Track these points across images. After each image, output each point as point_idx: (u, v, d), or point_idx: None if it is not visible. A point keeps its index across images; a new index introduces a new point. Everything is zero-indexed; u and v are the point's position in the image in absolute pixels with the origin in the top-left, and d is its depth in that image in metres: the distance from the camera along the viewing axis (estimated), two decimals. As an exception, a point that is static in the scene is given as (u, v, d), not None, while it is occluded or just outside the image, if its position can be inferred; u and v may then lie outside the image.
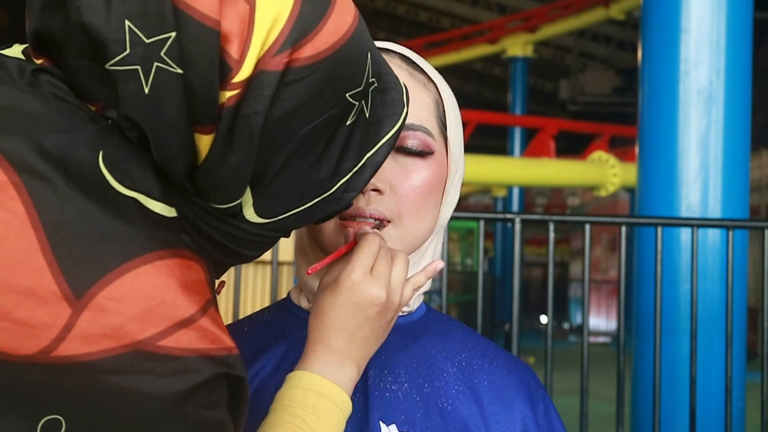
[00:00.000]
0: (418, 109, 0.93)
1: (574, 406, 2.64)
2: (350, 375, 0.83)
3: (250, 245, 0.76)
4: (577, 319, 16.71)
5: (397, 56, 0.95)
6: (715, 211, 3.51)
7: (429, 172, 0.93)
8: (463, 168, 1.00)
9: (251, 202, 0.73)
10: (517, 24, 13.99)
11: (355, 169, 0.76)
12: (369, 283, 0.83)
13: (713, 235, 3.42)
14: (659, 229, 2.67)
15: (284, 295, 1.03)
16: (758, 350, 2.72)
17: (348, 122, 0.74)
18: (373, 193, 0.90)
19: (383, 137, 0.78)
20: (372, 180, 0.89)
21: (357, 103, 0.73)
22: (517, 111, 13.74)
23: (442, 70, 1.40)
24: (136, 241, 0.66)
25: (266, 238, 0.77)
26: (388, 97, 0.78)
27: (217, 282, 0.79)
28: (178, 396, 0.64)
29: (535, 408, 0.95)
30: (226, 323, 1.07)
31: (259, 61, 0.67)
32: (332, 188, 0.75)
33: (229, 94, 0.67)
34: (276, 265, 2.77)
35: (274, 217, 0.74)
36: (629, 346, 3.72)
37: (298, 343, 0.92)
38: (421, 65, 0.96)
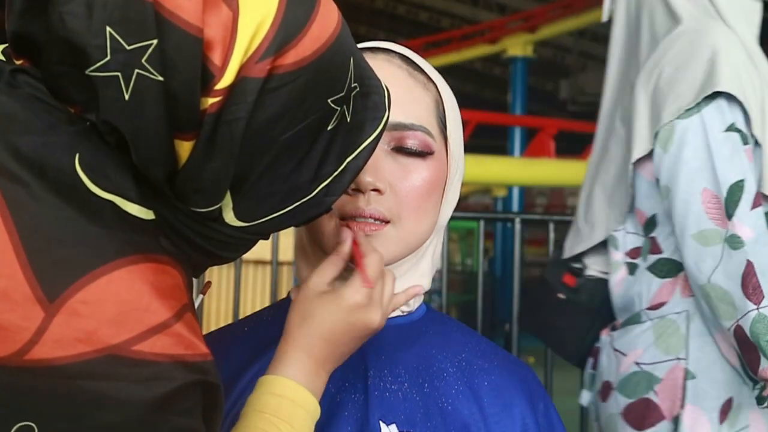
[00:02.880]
0: (418, 109, 0.93)
1: (574, 406, 2.64)
2: (322, 384, 0.84)
3: (230, 247, 0.76)
4: (577, 319, 16.67)
5: (397, 56, 0.95)
6: (715, 211, 3.50)
7: (429, 172, 0.93)
8: (463, 168, 1.00)
9: (231, 206, 0.72)
10: (517, 24, 14.00)
11: (336, 173, 0.76)
12: (370, 308, 0.84)
13: (713, 235, 3.42)
14: (659, 229, 2.66)
15: (284, 295, 1.03)
16: (758, 350, 2.72)
17: (329, 127, 0.73)
18: (373, 193, 0.90)
19: (364, 141, 0.77)
20: (372, 180, 0.89)
21: (339, 109, 0.73)
22: (517, 111, 13.73)
23: (442, 70, 1.39)
24: (112, 244, 0.65)
25: (246, 241, 0.77)
26: (370, 101, 0.78)
27: (203, 282, 0.79)
28: (153, 402, 0.64)
29: (535, 408, 0.95)
30: (226, 323, 1.07)
31: (242, 68, 0.67)
32: (313, 192, 0.75)
33: (211, 101, 0.66)
34: (276, 265, 2.77)
35: (255, 221, 0.74)
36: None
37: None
38: (420, 65, 0.96)
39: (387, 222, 0.91)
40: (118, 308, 0.64)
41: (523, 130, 13.16)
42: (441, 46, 14.48)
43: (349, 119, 0.75)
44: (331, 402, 0.88)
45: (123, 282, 0.65)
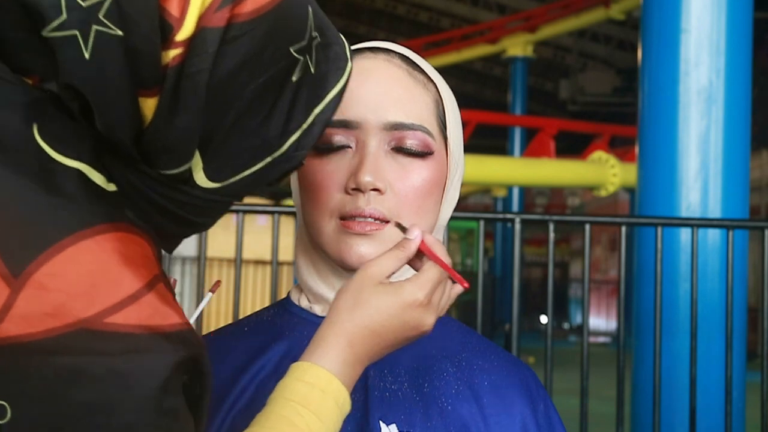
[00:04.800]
0: (418, 109, 0.93)
1: (574, 406, 2.64)
2: (357, 377, 0.80)
3: (204, 212, 0.74)
4: (577, 319, 16.72)
5: (396, 56, 0.95)
6: (715, 211, 3.51)
7: (429, 172, 0.93)
8: (463, 168, 1.00)
9: (201, 165, 0.70)
10: (517, 24, 14.00)
11: (305, 126, 0.74)
12: (428, 310, 0.81)
13: (713, 235, 3.43)
14: (659, 229, 2.67)
15: (284, 295, 1.03)
16: (758, 350, 2.72)
17: (294, 78, 0.72)
18: (372, 192, 0.90)
19: (329, 93, 0.76)
20: (372, 180, 0.89)
21: (301, 58, 0.72)
22: (517, 111, 13.75)
23: (442, 70, 1.40)
24: (77, 215, 0.64)
25: (219, 204, 0.74)
26: (332, 52, 0.77)
27: (212, 282, 0.78)
28: (129, 377, 0.61)
29: (535, 408, 0.95)
30: (226, 323, 1.07)
31: (201, 18, 0.66)
32: (282, 147, 0.73)
33: (172, 53, 0.65)
34: (276, 265, 2.77)
35: (226, 180, 0.72)
36: (629, 346, 3.72)
37: (298, 343, 0.92)
38: (420, 65, 0.96)
39: (387, 222, 0.90)
40: (87, 280, 0.62)
41: (523, 130, 13.17)
42: (441, 46, 14.48)
43: (313, 70, 0.74)
44: (331, 402, 0.88)
45: (90, 252, 0.63)
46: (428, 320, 0.81)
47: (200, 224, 0.75)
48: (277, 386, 0.78)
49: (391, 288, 0.81)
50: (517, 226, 2.65)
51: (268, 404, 0.76)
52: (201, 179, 0.71)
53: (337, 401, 0.77)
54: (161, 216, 0.71)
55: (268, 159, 0.73)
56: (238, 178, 0.72)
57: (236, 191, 0.74)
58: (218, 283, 0.87)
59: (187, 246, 8.49)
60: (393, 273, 0.83)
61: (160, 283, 0.66)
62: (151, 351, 0.62)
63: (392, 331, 0.80)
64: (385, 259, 0.83)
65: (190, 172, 0.70)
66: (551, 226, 2.63)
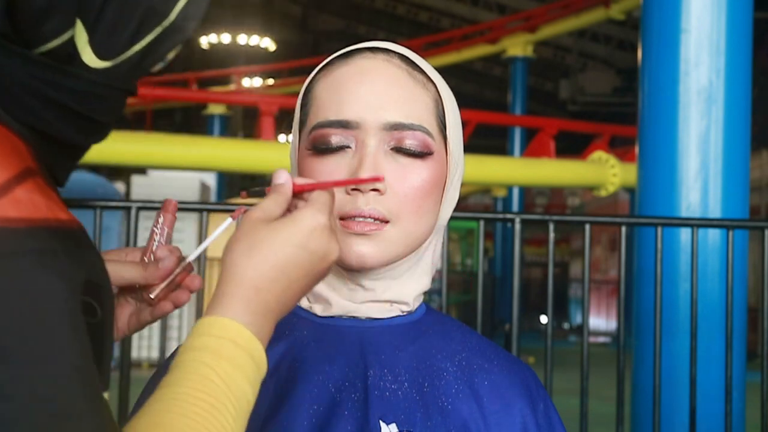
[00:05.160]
0: (418, 109, 0.93)
1: (574, 406, 2.64)
2: (270, 330, 0.72)
3: (97, 102, 0.67)
4: (577, 319, 16.71)
5: (396, 56, 0.95)
6: (715, 211, 3.51)
7: (428, 172, 0.93)
8: (463, 168, 1.00)
9: (86, 38, 0.64)
10: (517, 24, 14.01)
11: None
12: (332, 235, 0.75)
13: (713, 235, 3.43)
14: (659, 229, 2.67)
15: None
16: (758, 350, 2.72)
17: None
18: (372, 193, 0.90)
19: None
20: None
21: None
22: (517, 111, 13.75)
23: (442, 70, 1.40)
24: None
25: (112, 93, 0.67)
26: None
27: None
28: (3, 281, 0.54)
29: (535, 408, 0.95)
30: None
31: None
32: (170, 15, 0.68)
33: None
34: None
35: (116, 57, 0.66)
36: (629, 346, 3.72)
37: (297, 343, 0.92)
38: (420, 65, 0.96)
39: (386, 222, 0.91)
40: None
41: (523, 130, 13.17)
42: (441, 46, 14.50)
43: None
44: (331, 402, 0.88)
45: None
46: (335, 247, 0.75)
47: (99, 126, 0.68)
48: (179, 350, 0.70)
49: (288, 220, 0.74)
50: (517, 226, 2.65)
51: (173, 366, 0.68)
52: (89, 57, 0.65)
53: (252, 355, 0.69)
54: (50, 111, 0.64)
55: (158, 29, 0.67)
56: (129, 54, 0.66)
57: (129, 74, 0.68)
58: (242, 209, 0.81)
59: (188, 246, 8.50)
60: (277, 218, 0.76)
61: (37, 177, 0.59)
62: (26, 247, 0.55)
63: (300, 266, 0.73)
64: (266, 203, 0.76)
65: (74, 47, 0.64)
66: (551, 226, 2.63)
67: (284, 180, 0.78)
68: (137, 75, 0.69)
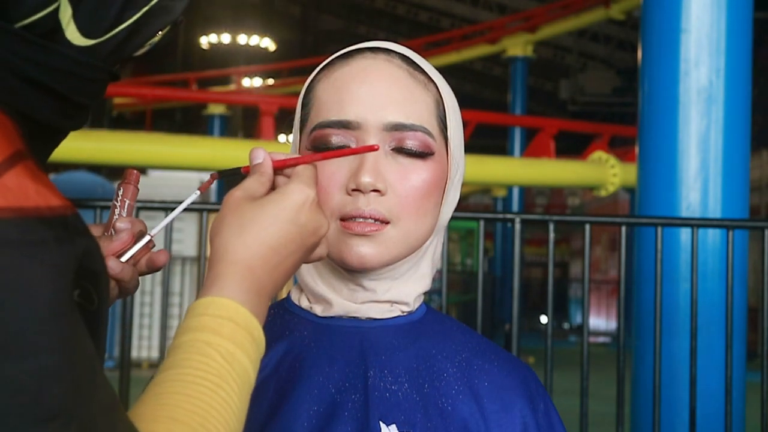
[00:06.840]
0: (419, 109, 0.93)
1: (574, 406, 2.64)
2: (264, 309, 0.71)
3: (78, 83, 0.65)
4: (577, 319, 16.71)
5: (397, 56, 0.95)
6: (715, 211, 3.51)
7: (429, 172, 0.93)
8: (464, 168, 1.00)
9: (70, 13, 0.62)
10: (517, 24, 14.01)
11: None
12: (320, 209, 0.76)
13: (713, 235, 3.43)
14: (659, 229, 2.67)
15: (284, 295, 1.03)
16: (758, 350, 2.72)
17: None
18: (373, 193, 0.90)
19: None
20: (372, 180, 0.89)
21: None
22: (517, 111, 13.74)
23: (442, 70, 1.40)
24: None
25: (95, 73, 0.65)
26: None
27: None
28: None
29: (535, 408, 0.95)
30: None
31: None
32: None
33: None
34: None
35: (101, 36, 0.64)
36: (629, 346, 3.72)
37: (298, 343, 0.92)
38: (421, 65, 0.96)
39: (387, 222, 0.91)
40: None
41: (523, 130, 13.16)
42: (441, 46, 14.49)
43: None
44: (331, 402, 0.88)
45: None
46: (324, 221, 0.76)
47: (80, 109, 0.66)
48: (177, 331, 0.68)
49: (276, 195, 0.73)
50: (517, 226, 2.65)
51: (171, 348, 0.67)
52: (73, 34, 0.63)
53: (252, 333, 0.68)
54: (30, 90, 0.62)
55: (145, 8, 0.66)
56: (114, 32, 0.64)
57: (113, 55, 0.66)
58: (209, 182, 0.79)
59: (187, 246, 8.49)
60: (262, 196, 0.75)
61: (28, 160, 0.57)
62: (22, 244, 0.53)
63: (291, 241, 0.73)
64: (248, 182, 0.75)
65: (58, 22, 0.62)
66: (551, 226, 2.63)
67: (263, 158, 0.78)
68: (121, 56, 0.67)
